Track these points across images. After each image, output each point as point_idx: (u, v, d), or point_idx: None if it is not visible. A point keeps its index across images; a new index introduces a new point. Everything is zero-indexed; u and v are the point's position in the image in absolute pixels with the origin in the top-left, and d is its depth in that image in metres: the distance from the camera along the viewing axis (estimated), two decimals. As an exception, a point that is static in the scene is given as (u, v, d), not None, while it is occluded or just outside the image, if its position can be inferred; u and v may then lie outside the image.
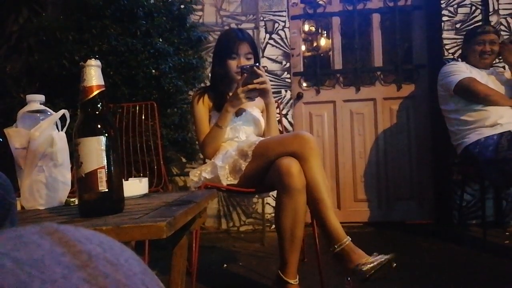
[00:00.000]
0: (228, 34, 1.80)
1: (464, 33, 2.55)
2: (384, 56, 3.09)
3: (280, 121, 2.13)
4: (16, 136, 0.97)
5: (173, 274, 1.03)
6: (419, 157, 2.97)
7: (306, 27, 4.54)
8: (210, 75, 1.89)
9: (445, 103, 2.34)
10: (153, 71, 2.16)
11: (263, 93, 1.67)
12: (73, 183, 0.99)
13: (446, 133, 2.43)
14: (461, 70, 2.26)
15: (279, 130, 1.98)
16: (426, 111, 2.95)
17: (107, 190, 0.75)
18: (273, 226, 2.68)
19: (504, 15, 2.76)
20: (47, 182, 0.97)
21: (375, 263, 1.29)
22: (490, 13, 2.75)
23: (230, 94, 1.69)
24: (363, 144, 3.03)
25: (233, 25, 2.89)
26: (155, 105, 2.15)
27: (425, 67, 2.96)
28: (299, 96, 3.04)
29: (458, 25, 2.79)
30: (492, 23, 2.70)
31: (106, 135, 0.76)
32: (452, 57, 2.76)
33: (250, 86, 1.59)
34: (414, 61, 3.01)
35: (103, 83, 0.79)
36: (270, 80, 2.81)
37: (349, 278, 1.34)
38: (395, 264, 1.31)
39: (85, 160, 0.75)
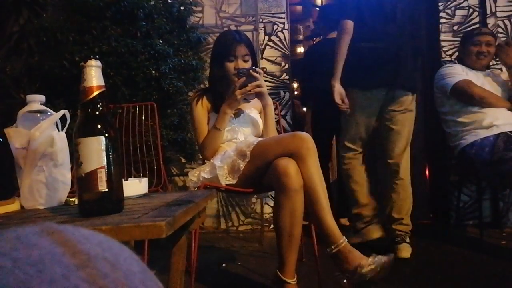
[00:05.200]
0: (225, 36, 1.81)
1: (462, 35, 2.57)
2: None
3: (278, 122, 2.14)
4: (16, 136, 0.97)
5: (172, 273, 1.03)
6: (416, 158, 2.97)
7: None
8: (208, 76, 1.90)
9: (442, 105, 2.36)
10: (153, 72, 2.16)
11: (259, 95, 1.68)
12: (73, 183, 0.99)
13: (443, 134, 2.44)
14: (457, 73, 2.27)
15: (278, 131, 1.99)
16: (422, 113, 2.95)
17: (107, 190, 0.76)
18: (272, 226, 2.69)
19: (501, 17, 2.77)
20: (47, 182, 0.97)
21: (373, 266, 1.29)
22: (487, 15, 2.76)
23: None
24: (361, 145, 3.04)
25: (232, 27, 2.90)
26: (155, 105, 2.16)
27: (421, 70, 2.96)
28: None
29: (455, 27, 2.80)
30: (489, 26, 2.72)
31: (106, 135, 0.77)
32: (449, 59, 2.78)
33: (247, 89, 1.60)
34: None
35: (103, 84, 0.80)
36: (269, 82, 2.83)
37: (345, 280, 1.35)
38: (389, 265, 1.32)
39: (85, 160, 0.75)
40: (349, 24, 2.05)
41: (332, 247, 1.37)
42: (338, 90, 2.09)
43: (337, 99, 2.09)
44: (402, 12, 2.02)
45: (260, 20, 2.92)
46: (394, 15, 2.02)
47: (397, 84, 2.05)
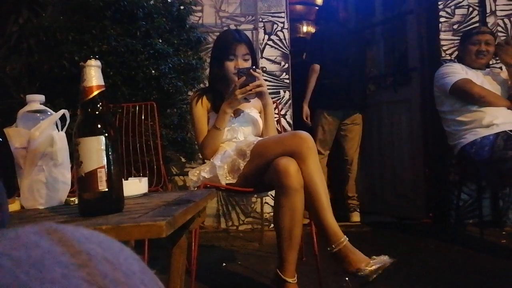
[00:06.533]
0: (225, 36, 1.81)
1: (461, 34, 2.57)
2: (384, 60, 3.12)
3: (278, 122, 2.15)
4: (16, 135, 0.97)
5: (172, 273, 1.03)
6: (416, 157, 2.97)
7: (305, 29, 4.54)
8: (208, 76, 1.90)
9: (442, 104, 2.36)
10: (153, 71, 2.16)
11: (259, 94, 1.68)
12: (73, 182, 0.99)
13: (442, 133, 2.44)
14: (457, 72, 2.27)
15: (278, 130, 1.99)
16: (420, 113, 2.95)
17: (107, 189, 0.76)
18: (272, 225, 2.69)
19: (501, 16, 2.77)
20: (47, 182, 0.97)
21: (375, 267, 1.29)
22: (487, 14, 2.76)
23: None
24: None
25: (232, 26, 2.90)
26: (155, 105, 2.16)
27: (419, 69, 2.96)
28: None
29: (455, 26, 2.80)
30: (489, 24, 2.72)
31: (106, 135, 0.77)
32: (449, 58, 2.77)
33: (247, 88, 1.60)
34: (409, 64, 3.01)
35: (103, 83, 0.80)
36: (269, 81, 2.83)
37: (347, 278, 1.35)
38: (391, 267, 1.32)
39: (85, 159, 0.75)
40: (316, 67, 2.95)
41: (333, 246, 1.38)
42: (305, 111, 3.00)
43: (304, 117, 3.00)
44: (352, 56, 2.97)
45: (260, 19, 2.92)
46: (346, 60, 2.95)
47: (349, 106, 2.97)
